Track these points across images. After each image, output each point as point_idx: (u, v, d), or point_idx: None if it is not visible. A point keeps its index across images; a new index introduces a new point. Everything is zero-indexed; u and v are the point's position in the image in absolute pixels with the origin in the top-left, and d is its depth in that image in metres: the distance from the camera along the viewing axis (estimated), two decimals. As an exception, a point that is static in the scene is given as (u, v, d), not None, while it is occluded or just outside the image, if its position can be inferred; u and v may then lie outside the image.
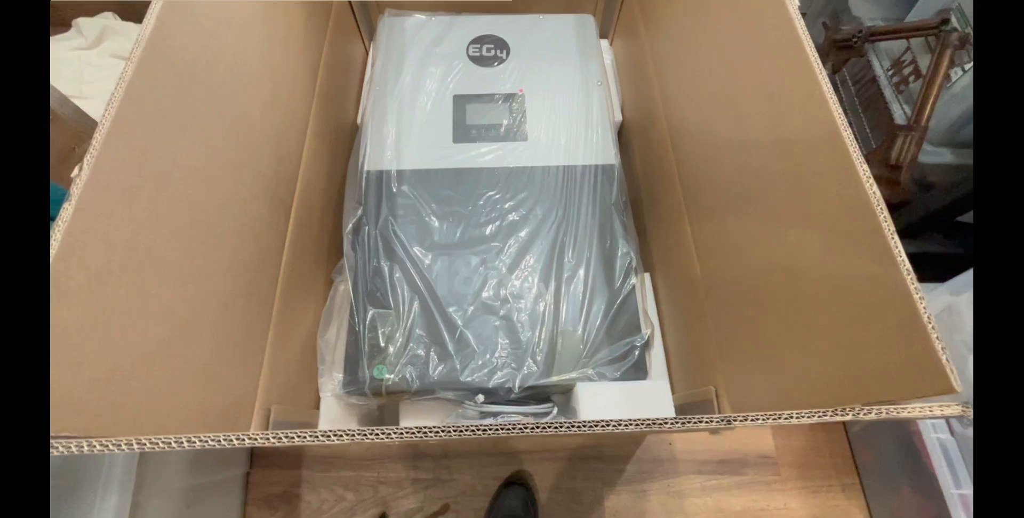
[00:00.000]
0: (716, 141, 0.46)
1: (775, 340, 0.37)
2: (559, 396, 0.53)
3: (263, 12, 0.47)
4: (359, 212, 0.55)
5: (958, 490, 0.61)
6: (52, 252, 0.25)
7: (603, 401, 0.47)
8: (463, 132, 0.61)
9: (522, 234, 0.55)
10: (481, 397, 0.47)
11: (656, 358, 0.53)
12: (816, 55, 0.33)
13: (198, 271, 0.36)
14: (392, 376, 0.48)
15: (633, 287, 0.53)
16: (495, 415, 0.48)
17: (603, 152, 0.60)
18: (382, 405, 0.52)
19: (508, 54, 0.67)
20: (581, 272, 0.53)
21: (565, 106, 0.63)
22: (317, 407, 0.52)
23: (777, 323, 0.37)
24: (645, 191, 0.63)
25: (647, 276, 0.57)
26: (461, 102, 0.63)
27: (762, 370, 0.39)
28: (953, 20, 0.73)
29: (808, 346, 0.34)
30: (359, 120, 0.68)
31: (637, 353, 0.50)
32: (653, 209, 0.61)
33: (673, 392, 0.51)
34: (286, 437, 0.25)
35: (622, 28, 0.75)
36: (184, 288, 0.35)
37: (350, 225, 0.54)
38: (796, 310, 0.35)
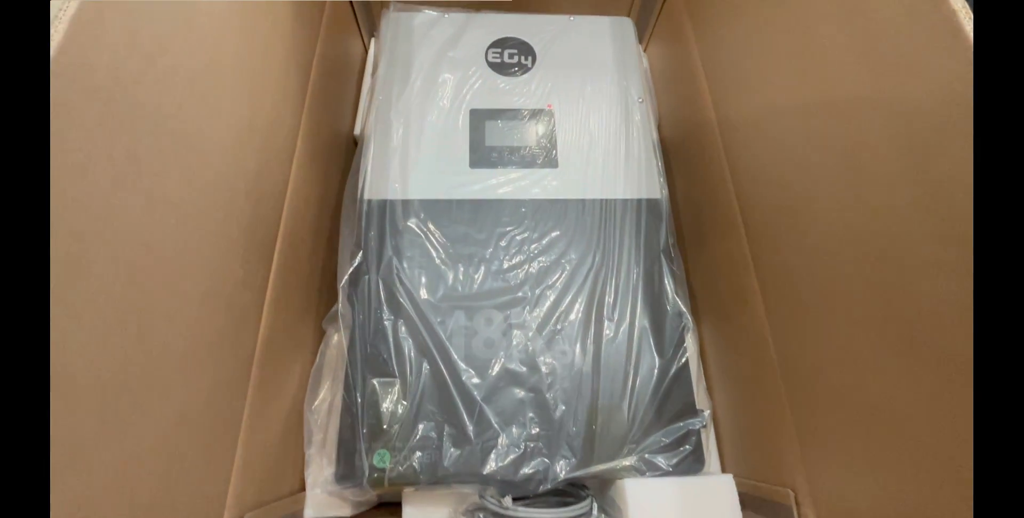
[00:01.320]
0: (807, 187, 0.37)
1: (886, 437, 0.29)
2: (594, 479, 0.44)
3: (239, 10, 0.37)
4: (357, 258, 0.46)
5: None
6: None
7: (655, 501, 0.38)
8: (482, 155, 0.52)
9: (554, 283, 0.46)
10: (509, 500, 0.38)
11: (706, 434, 0.45)
12: None
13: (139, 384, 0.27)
14: (396, 465, 0.39)
15: (687, 355, 0.44)
16: None
17: (648, 183, 0.51)
18: (383, 494, 0.43)
19: (534, 61, 0.57)
20: (625, 332, 0.45)
21: (602, 126, 0.54)
22: (303, 489, 0.43)
23: (887, 415, 0.28)
24: (689, 229, 0.54)
25: (693, 329, 0.48)
26: (479, 118, 0.53)
27: (869, 475, 0.31)
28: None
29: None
30: (356, 132, 0.58)
31: (695, 439, 0.41)
32: (700, 252, 0.52)
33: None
34: None
35: (662, 31, 0.66)
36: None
37: (347, 275, 0.45)
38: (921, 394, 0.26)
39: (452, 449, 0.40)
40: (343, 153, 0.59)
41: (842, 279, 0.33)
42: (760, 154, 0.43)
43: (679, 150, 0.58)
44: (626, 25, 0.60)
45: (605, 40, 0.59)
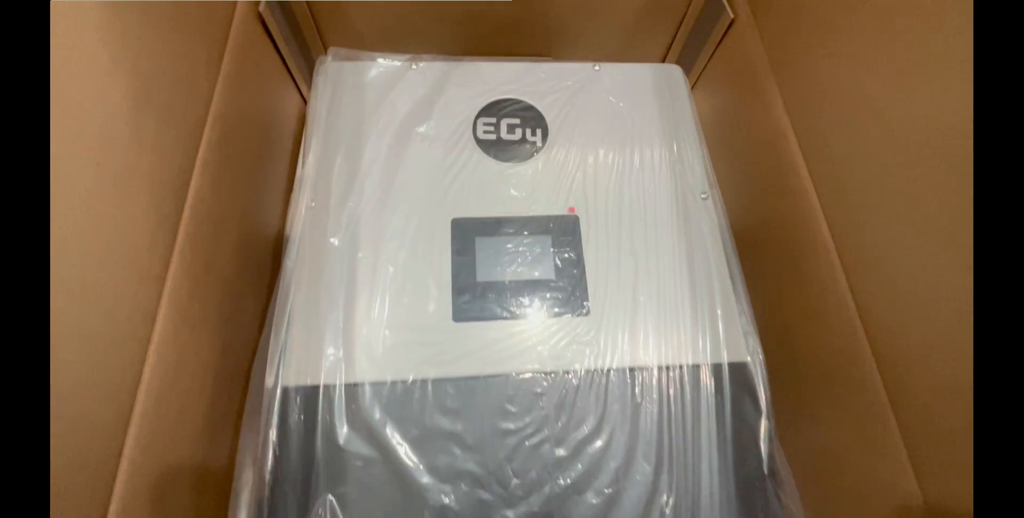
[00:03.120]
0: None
1: None
2: None
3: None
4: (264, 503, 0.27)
5: None
6: None
7: None
8: (471, 299, 0.33)
9: (594, 529, 0.28)
10: None
11: None
12: None
13: None
14: None
15: None
16: None
17: (729, 337, 0.33)
18: None
19: (545, 137, 0.38)
20: None
21: (652, 243, 0.35)
22: None
23: None
24: (776, 386, 0.36)
25: None
26: (466, 234, 0.35)
27: None
28: None
29: None
30: (285, 261, 0.38)
31: None
32: (804, 428, 0.35)
33: None
34: None
35: (716, 73, 0.47)
36: None
37: None
38: None
39: None
40: (266, 282, 0.40)
41: None
42: (910, 269, 0.26)
43: (756, 257, 0.40)
44: (675, 76, 0.41)
45: (648, 100, 0.40)
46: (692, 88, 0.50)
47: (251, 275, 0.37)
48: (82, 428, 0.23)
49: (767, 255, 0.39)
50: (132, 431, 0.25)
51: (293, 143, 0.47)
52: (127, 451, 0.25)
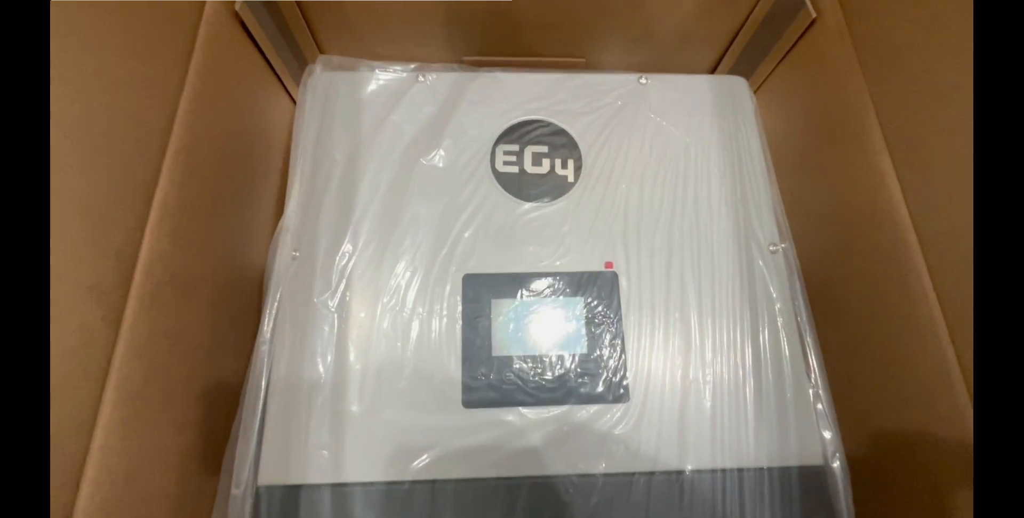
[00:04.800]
0: None
1: None
2: None
3: None
4: None
5: None
6: None
7: None
8: (486, 380, 0.27)
9: None
10: None
11: None
12: None
13: None
14: None
15: None
16: None
17: (800, 433, 0.27)
18: None
19: (578, 169, 0.32)
20: None
21: (708, 309, 0.29)
22: None
23: None
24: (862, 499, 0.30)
25: None
26: (480, 293, 0.28)
27: None
28: None
29: None
30: (262, 326, 0.31)
31: None
32: None
33: None
34: None
35: (784, 84, 0.39)
36: None
37: None
38: None
39: None
40: (244, 342, 0.34)
41: None
42: None
43: (831, 321, 0.33)
44: (740, 91, 0.34)
45: (706, 121, 0.33)
46: (761, 84, 0.42)
47: (229, 331, 0.32)
48: None
49: (853, 321, 0.32)
50: None
51: (284, 159, 0.40)
52: None
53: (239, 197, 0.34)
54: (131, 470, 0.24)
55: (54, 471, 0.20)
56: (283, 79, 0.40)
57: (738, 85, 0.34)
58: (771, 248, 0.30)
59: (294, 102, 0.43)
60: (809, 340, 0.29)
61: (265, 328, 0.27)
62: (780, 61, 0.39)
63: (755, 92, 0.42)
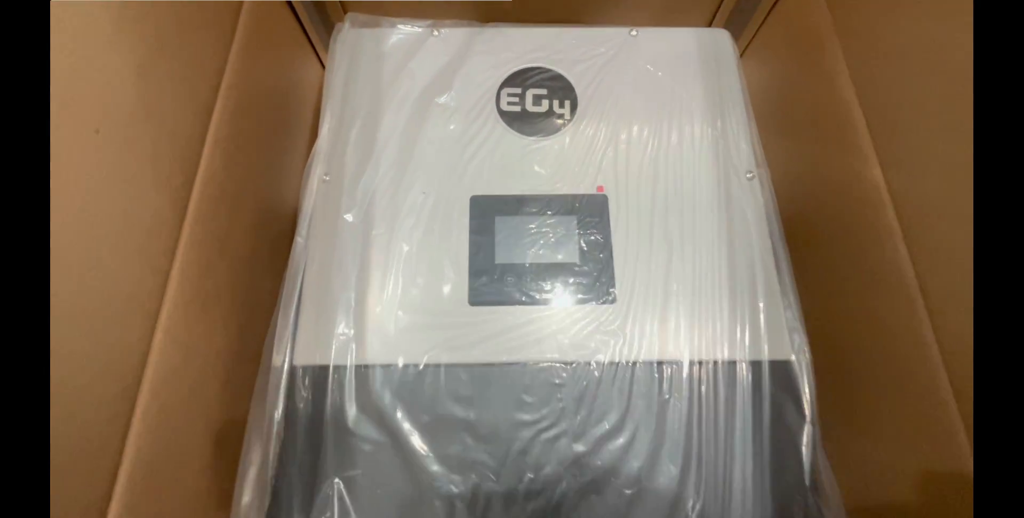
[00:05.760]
0: None
1: None
2: None
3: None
4: (265, 497, 0.26)
5: None
6: None
7: None
8: (489, 282, 0.31)
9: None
10: None
11: None
12: None
13: None
14: None
15: None
16: None
17: (770, 332, 0.30)
18: None
19: (574, 110, 0.35)
20: None
21: (688, 226, 0.32)
22: None
23: None
24: (827, 395, 0.33)
25: None
26: (486, 212, 0.32)
27: None
28: None
29: None
30: (297, 237, 0.36)
31: None
32: (854, 445, 0.31)
33: None
34: None
35: (770, 39, 0.43)
36: None
37: None
38: None
39: None
40: (281, 258, 0.39)
41: None
42: None
43: (808, 244, 0.36)
44: (723, 42, 0.37)
45: (690, 68, 0.36)
46: (741, 56, 0.45)
47: (267, 253, 0.36)
48: (82, 408, 0.22)
49: (821, 244, 0.35)
50: (139, 411, 0.25)
51: (313, 114, 0.45)
52: (133, 430, 0.25)
53: (276, 140, 0.39)
54: (190, 345, 0.28)
55: (126, 352, 0.24)
56: (315, 45, 0.45)
57: (720, 36, 0.38)
58: (748, 175, 0.33)
59: (322, 66, 0.48)
60: (780, 253, 0.32)
61: (300, 238, 0.31)
62: (765, 19, 0.42)
63: (746, 48, 0.46)
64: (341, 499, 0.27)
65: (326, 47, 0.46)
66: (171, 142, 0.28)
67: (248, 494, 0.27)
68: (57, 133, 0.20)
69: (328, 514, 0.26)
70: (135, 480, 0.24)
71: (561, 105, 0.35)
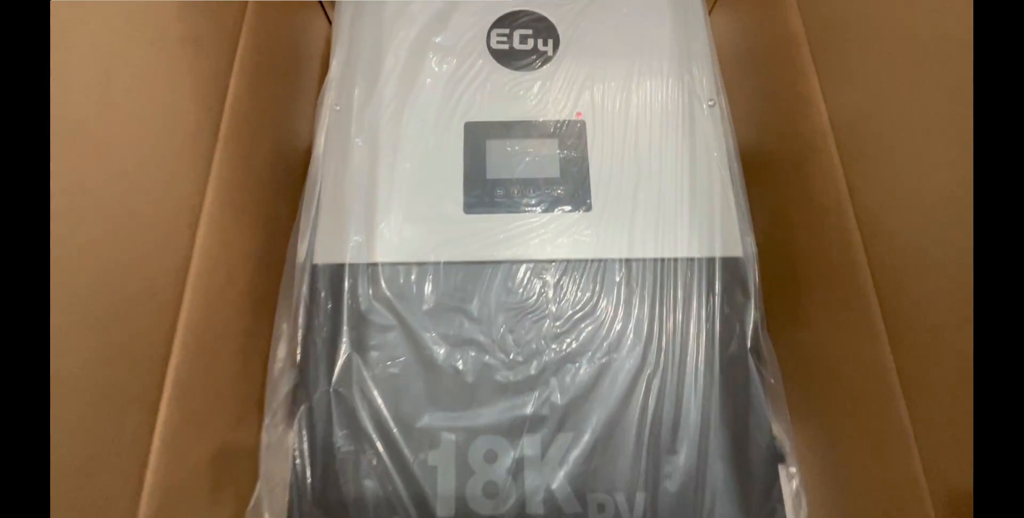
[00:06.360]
0: None
1: None
2: None
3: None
4: (294, 371, 0.31)
5: None
6: None
7: None
8: (481, 194, 0.36)
9: (587, 394, 0.32)
10: None
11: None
12: None
13: None
14: None
15: (784, 515, 0.30)
16: None
17: (724, 234, 0.35)
18: None
19: (556, 47, 0.40)
20: (691, 475, 0.30)
21: (656, 146, 0.37)
22: None
23: None
24: (781, 298, 0.38)
25: (797, 476, 0.33)
26: (478, 137, 0.37)
27: None
28: None
29: None
30: (314, 154, 0.42)
31: None
32: (799, 335, 0.37)
33: None
34: None
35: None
36: None
37: (280, 395, 0.31)
38: None
39: None
40: (300, 183, 0.43)
41: None
42: (915, 188, 0.27)
43: (767, 176, 0.41)
44: (690, -11, 0.42)
45: (660, 13, 0.41)
46: (713, 5, 0.49)
47: (285, 174, 0.41)
48: (142, 300, 0.26)
49: (774, 167, 0.40)
50: (186, 299, 0.29)
51: (320, 63, 0.49)
52: (182, 316, 0.29)
53: (288, 82, 0.43)
54: (226, 243, 0.33)
55: (172, 252, 0.29)
56: (323, 3, 0.49)
57: (690, -16, 0.42)
58: (709, 102, 0.38)
59: (329, 22, 0.52)
60: (735, 171, 0.36)
61: (317, 156, 0.36)
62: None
63: (713, 6, 0.50)
64: (359, 371, 0.32)
65: (332, 5, 0.50)
66: (207, 66, 0.32)
67: (280, 366, 0.32)
68: (126, 45, 0.25)
69: (347, 382, 0.32)
70: (184, 358, 0.29)
71: (545, 43, 0.39)
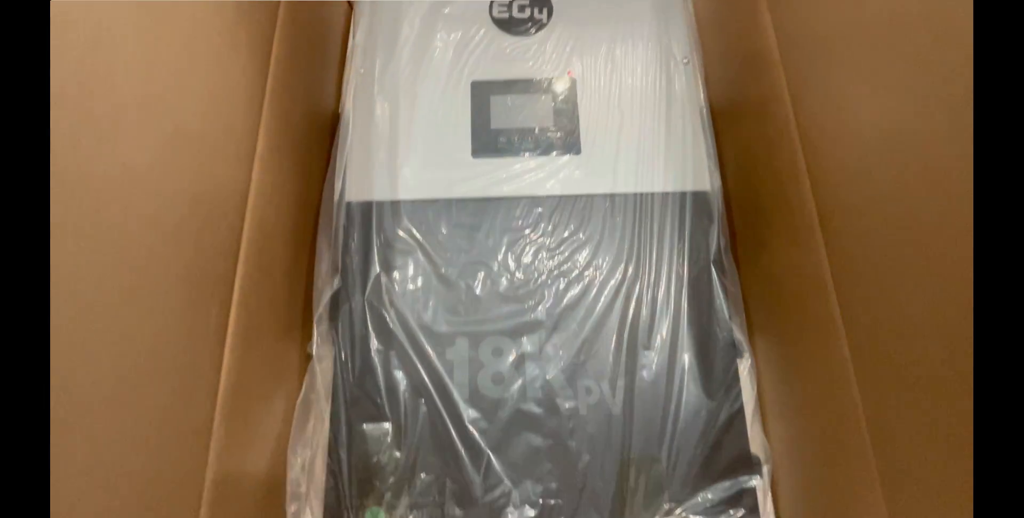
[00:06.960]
0: (922, 178, 0.27)
1: None
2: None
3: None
4: (335, 281, 0.38)
5: None
6: None
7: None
8: (486, 141, 0.42)
9: (577, 301, 0.38)
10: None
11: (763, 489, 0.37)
12: None
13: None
14: (391, 525, 0.34)
15: (740, 393, 0.36)
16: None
17: (695, 172, 0.41)
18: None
19: (550, 15, 0.45)
20: (664, 365, 0.36)
21: (636, 98, 0.43)
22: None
23: None
24: (745, 230, 0.43)
25: (750, 362, 0.39)
26: (483, 93, 0.43)
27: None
28: None
29: None
30: (341, 110, 0.48)
31: (749, 499, 0.34)
32: (760, 261, 0.42)
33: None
34: None
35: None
36: None
37: (324, 302, 0.37)
38: None
39: (455, 508, 0.34)
40: (329, 138, 0.50)
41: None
42: (851, 131, 0.32)
43: (735, 124, 0.46)
44: (668, -40, 0.47)
45: (642, -18, 0.46)
46: None
47: (317, 133, 0.47)
48: (218, 219, 0.33)
49: (739, 115, 0.45)
50: (247, 225, 0.36)
51: (341, 38, 0.55)
52: (244, 240, 0.36)
53: (317, 53, 0.49)
54: (275, 184, 0.39)
55: (237, 183, 0.36)
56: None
57: (669, -44, 0.47)
58: (684, 60, 0.43)
59: (351, 6, 0.58)
60: (706, 121, 0.42)
61: (346, 110, 0.42)
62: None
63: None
64: (388, 286, 0.39)
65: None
66: (256, 31, 0.38)
67: (323, 280, 0.39)
68: (208, 20, 0.31)
69: (378, 295, 0.38)
70: (242, 289, 0.35)
71: (540, 12, 0.45)
